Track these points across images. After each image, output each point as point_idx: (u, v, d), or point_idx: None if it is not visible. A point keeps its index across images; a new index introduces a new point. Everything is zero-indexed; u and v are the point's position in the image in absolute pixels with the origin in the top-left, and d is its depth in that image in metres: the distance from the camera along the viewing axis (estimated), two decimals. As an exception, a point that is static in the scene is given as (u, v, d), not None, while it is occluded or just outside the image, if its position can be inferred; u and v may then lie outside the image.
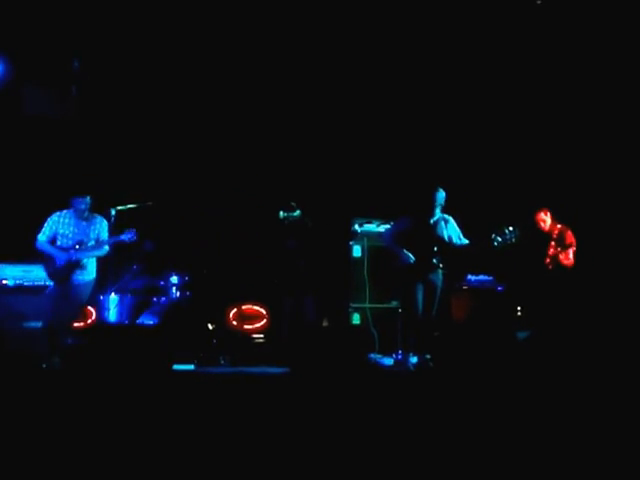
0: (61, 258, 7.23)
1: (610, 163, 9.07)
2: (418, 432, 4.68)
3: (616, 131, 9.06)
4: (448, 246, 7.53)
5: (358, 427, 4.71)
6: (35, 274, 7.36)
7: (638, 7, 8.17)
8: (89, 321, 8.65)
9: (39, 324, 7.13)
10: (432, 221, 7.60)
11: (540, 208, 8.49)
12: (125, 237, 7.38)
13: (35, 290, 7.28)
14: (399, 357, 7.76)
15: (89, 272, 7.37)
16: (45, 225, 7.34)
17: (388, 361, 7.92)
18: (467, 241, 7.58)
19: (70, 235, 7.34)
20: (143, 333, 6.69)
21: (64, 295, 7.22)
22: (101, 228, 7.44)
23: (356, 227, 8.72)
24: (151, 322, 8.20)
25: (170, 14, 8.76)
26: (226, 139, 9.70)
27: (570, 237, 8.43)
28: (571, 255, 8.32)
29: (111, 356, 6.01)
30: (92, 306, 8.68)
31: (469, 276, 8.61)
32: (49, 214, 7.42)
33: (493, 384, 5.97)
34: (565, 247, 8.33)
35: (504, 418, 4.97)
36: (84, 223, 7.38)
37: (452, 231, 7.61)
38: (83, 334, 8.12)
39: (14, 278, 7.33)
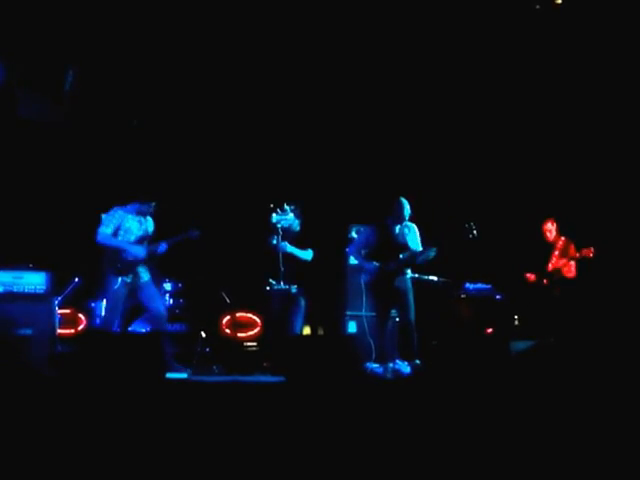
0: (137, 252, 7.35)
1: (614, 171, 9.04)
2: (414, 441, 4.63)
3: (618, 137, 9.03)
4: (414, 253, 7.59)
5: (354, 437, 4.65)
6: (26, 280, 7.23)
7: (637, 9, 8.16)
8: (80, 328, 8.55)
9: (29, 331, 7.02)
10: (395, 231, 7.66)
11: (547, 218, 8.46)
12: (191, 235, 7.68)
13: (26, 297, 7.16)
14: (396, 366, 7.70)
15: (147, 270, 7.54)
16: (109, 218, 7.39)
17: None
18: (421, 248, 7.64)
19: (135, 230, 7.45)
20: (135, 341, 6.59)
21: (134, 292, 7.40)
22: (151, 227, 7.64)
23: (353, 234, 8.63)
24: (143, 330, 8.10)
25: (163, 17, 8.73)
26: (222, 144, 9.67)
27: (573, 251, 8.38)
28: (573, 269, 8.28)
29: (102, 364, 5.91)
30: (83, 313, 8.60)
31: (467, 284, 8.59)
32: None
33: (490, 393, 5.91)
34: (569, 260, 8.29)
35: (500, 426, 4.92)
36: (143, 219, 7.55)
37: (414, 239, 7.68)
38: (74, 341, 8.06)
39: (4, 284, 7.20)
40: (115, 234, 7.39)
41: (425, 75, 9.34)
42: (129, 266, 7.37)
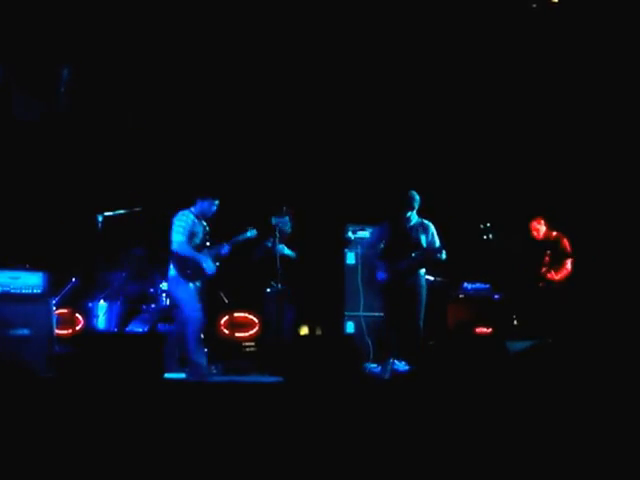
0: (209, 268, 7.26)
1: (606, 167, 9.03)
2: (412, 441, 4.63)
3: (611, 134, 9.03)
4: (426, 252, 7.55)
5: (352, 437, 4.64)
6: (23, 281, 7.21)
7: (636, 8, 8.16)
8: (77, 328, 8.53)
9: (27, 332, 7.01)
10: (409, 226, 7.59)
11: (535, 217, 8.41)
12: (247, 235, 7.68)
13: (23, 297, 7.13)
14: (394, 366, 7.69)
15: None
16: (182, 224, 7.26)
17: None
18: (439, 245, 7.61)
19: (200, 234, 7.37)
20: (133, 341, 6.56)
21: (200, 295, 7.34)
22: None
23: (350, 234, 8.61)
24: (140, 330, 8.08)
25: (159, 18, 8.72)
26: (219, 144, 9.64)
27: (566, 246, 8.34)
28: (569, 265, 8.23)
29: (100, 364, 5.88)
30: (80, 313, 8.58)
31: (465, 284, 8.56)
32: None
33: (488, 393, 5.90)
34: (560, 259, 8.23)
35: (498, 426, 4.92)
36: (204, 222, 7.46)
37: (431, 237, 7.63)
38: (71, 342, 8.03)
39: (1, 285, 7.18)
40: (189, 240, 7.28)
41: (421, 76, 9.33)
42: (199, 272, 7.28)
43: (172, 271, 7.28)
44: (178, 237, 7.20)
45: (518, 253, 8.51)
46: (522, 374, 6.23)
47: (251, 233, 7.71)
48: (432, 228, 7.66)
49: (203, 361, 7.28)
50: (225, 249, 7.52)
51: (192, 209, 7.38)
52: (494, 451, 4.45)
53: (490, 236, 7.43)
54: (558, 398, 5.55)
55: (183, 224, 7.25)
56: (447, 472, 4.20)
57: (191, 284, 7.26)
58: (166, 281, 7.68)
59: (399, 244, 7.53)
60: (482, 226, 7.47)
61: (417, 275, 7.57)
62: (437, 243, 7.62)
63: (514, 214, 8.84)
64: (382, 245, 7.65)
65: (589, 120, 9.12)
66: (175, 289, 7.35)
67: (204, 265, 7.23)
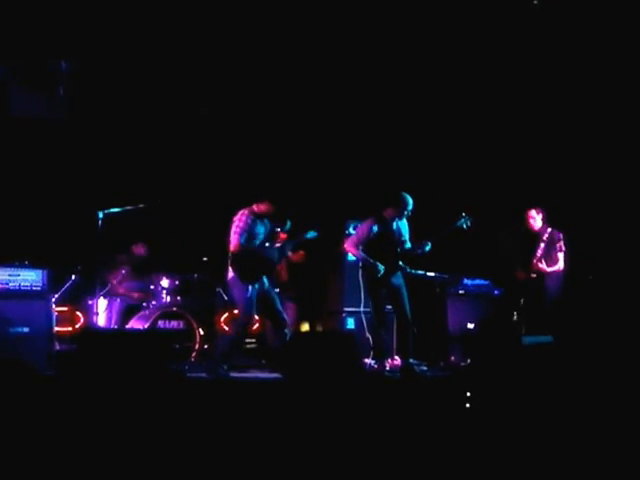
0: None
1: (603, 163, 9.02)
2: (412, 439, 4.63)
3: (608, 127, 9.00)
4: (415, 251, 7.61)
5: (353, 433, 4.65)
6: (22, 277, 7.21)
7: (637, 7, 8.13)
8: (77, 326, 8.53)
9: (26, 329, 7.00)
10: (395, 224, 7.60)
11: (532, 206, 8.36)
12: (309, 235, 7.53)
13: (22, 294, 7.13)
14: (394, 362, 7.71)
15: None
16: (243, 227, 7.17)
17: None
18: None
19: (261, 235, 7.27)
20: (133, 339, 6.56)
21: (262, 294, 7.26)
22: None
23: (351, 230, 8.58)
24: (141, 327, 8.08)
25: (160, 12, 8.69)
26: (218, 141, 9.62)
27: (560, 242, 8.28)
28: (561, 263, 8.18)
29: (100, 362, 5.88)
30: (80, 311, 8.57)
31: (465, 280, 8.55)
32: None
33: (487, 392, 5.91)
34: (553, 253, 8.18)
35: (497, 425, 4.93)
36: (266, 221, 7.34)
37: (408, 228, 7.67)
38: (71, 339, 8.04)
39: (0, 282, 7.18)
40: (248, 240, 7.18)
41: (417, 68, 9.30)
42: (258, 273, 7.21)
43: (230, 272, 7.22)
44: (239, 238, 7.13)
45: (511, 244, 8.46)
46: (519, 373, 6.23)
47: (311, 234, 7.54)
48: (406, 223, 7.68)
49: (225, 362, 7.23)
50: (287, 250, 7.46)
51: (249, 208, 7.29)
52: (495, 450, 4.46)
53: (469, 224, 7.53)
54: (559, 397, 5.55)
55: (244, 225, 7.17)
56: (447, 470, 4.20)
57: (249, 286, 7.17)
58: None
59: (386, 242, 7.53)
60: (463, 215, 7.58)
61: (398, 273, 7.57)
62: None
63: (509, 206, 8.79)
64: (365, 243, 7.62)
65: (584, 113, 9.09)
66: (232, 290, 7.33)
67: (266, 254, 7.18)
